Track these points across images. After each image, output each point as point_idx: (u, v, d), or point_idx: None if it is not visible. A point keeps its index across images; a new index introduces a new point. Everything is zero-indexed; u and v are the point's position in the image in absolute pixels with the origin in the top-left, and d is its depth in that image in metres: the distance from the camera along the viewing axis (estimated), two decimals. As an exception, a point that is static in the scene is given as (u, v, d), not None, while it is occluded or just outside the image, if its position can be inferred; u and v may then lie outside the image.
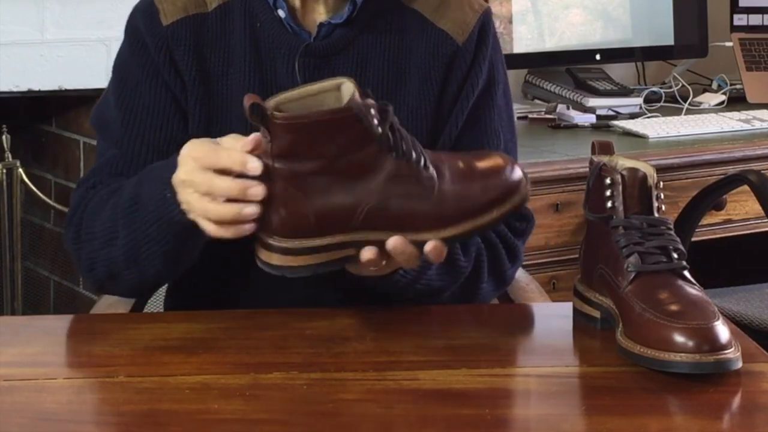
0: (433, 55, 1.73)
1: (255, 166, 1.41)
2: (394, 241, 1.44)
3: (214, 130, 1.67)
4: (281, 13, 1.70)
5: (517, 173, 1.49)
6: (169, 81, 1.69)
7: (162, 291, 1.94)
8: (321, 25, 1.71)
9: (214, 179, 1.43)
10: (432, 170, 1.45)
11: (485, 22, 1.77)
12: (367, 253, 1.45)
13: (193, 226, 1.49)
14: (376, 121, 1.42)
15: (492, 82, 1.77)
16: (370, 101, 1.43)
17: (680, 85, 3.51)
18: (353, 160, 1.42)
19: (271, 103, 1.43)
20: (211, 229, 1.46)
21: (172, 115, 1.69)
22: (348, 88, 1.44)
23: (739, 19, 3.68)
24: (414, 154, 1.44)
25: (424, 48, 1.73)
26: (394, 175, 1.43)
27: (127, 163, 1.68)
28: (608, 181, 1.48)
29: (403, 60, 1.73)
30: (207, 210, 1.45)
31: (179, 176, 1.47)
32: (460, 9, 1.75)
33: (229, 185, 1.43)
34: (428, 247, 1.45)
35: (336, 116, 1.41)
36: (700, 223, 2.80)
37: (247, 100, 1.41)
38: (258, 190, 1.42)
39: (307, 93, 1.46)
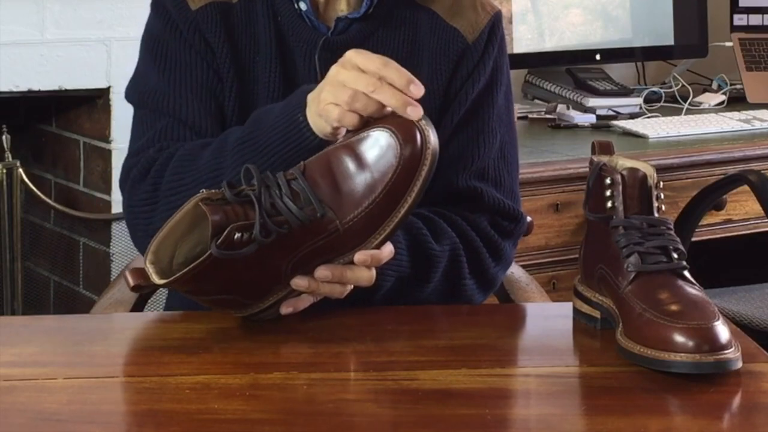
0: (443, 51, 1.77)
1: (420, 88, 1.47)
2: (321, 270, 1.48)
3: (242, 109, 1.71)
4: (303, 5, 1.74)
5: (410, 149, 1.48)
6: (206, 57, 1.73)
7: (163, 291, 1.94)
8: (338, 19, 1.75)
9: (383, 70, 1.48)
10: (328, 212, 1.45)
11: (495, 23, 1.81)
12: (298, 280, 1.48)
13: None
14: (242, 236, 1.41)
15: (494, 81, 1.80)
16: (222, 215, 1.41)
17: (680, 85, 3.52)
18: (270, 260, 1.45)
19: (150, 251, 1.42)
20: (343, 117, 1.48)
21: (216, 83, 1.73)
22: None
23: (739, 19, 3.68)
24: (301, 214, 1.43)
25: (436, 44, 1.77)
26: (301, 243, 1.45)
27: (186, 130, 1.70)
28: (608, 181, 1.48)
29: (416, 56, 1.77)
30: (359, 100, 1.48)
31: (334, 76, 1.51)
32: (473, 9, 1.80)
33: (401, 69, 1.48)
34: (357, 259, 1.48)
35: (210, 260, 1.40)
36: (700, 223, 2.81)
37: (133, 278, 1.43)
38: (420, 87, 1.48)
39: (176, 224, 1.44)
